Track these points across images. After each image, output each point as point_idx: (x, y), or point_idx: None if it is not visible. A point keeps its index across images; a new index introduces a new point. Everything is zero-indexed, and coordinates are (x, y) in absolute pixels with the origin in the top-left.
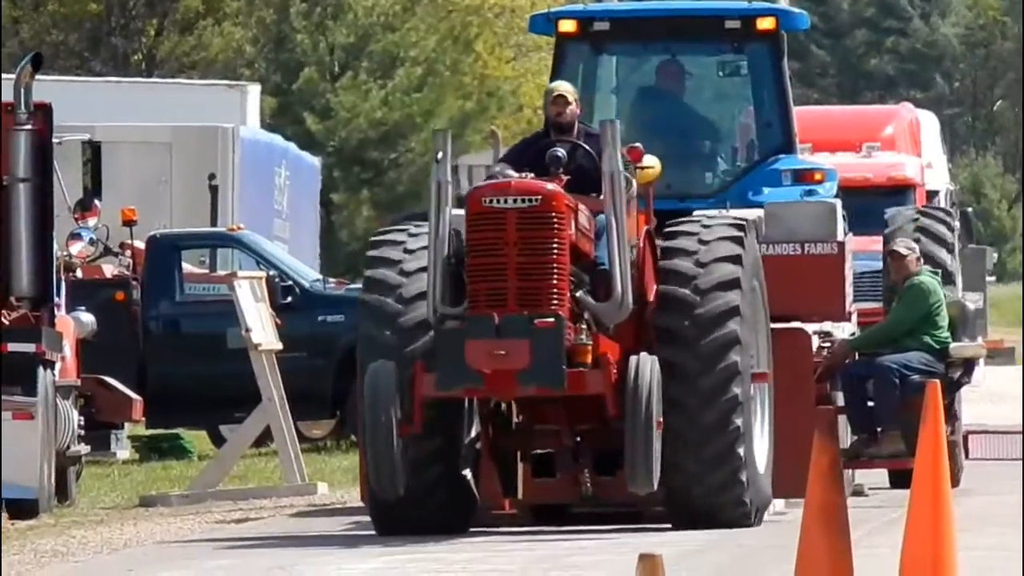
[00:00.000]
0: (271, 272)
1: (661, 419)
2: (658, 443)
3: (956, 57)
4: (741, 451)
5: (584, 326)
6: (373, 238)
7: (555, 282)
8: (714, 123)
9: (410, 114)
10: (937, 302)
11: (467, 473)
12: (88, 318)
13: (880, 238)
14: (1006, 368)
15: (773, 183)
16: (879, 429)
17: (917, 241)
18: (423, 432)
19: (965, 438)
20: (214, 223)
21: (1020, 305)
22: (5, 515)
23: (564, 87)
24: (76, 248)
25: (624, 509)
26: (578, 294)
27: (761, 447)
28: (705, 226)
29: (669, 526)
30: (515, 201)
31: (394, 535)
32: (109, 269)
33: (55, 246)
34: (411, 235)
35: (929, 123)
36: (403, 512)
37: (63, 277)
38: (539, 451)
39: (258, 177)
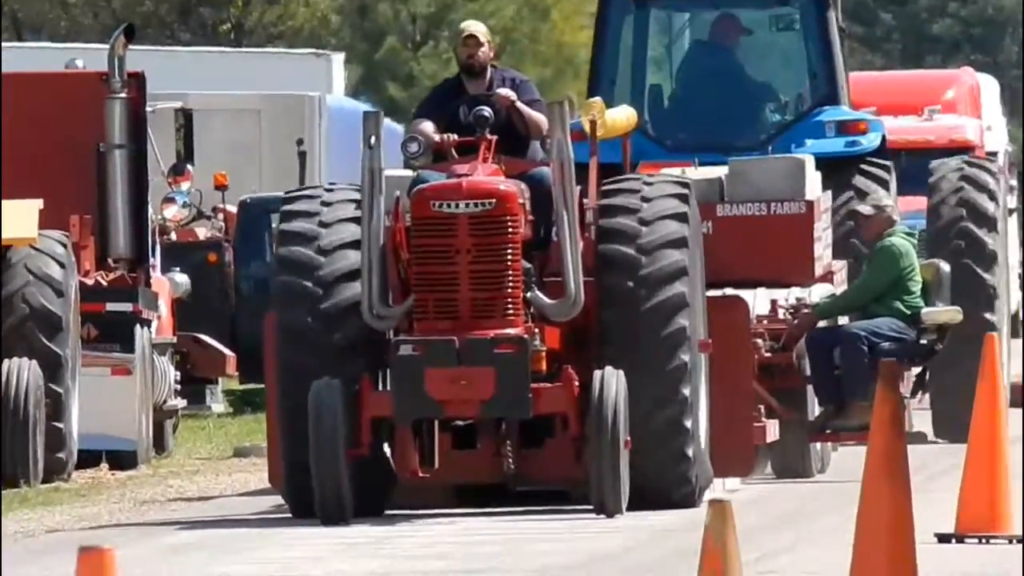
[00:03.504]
0: None
1: (628, 438)
2: (625, 465)
3: (1019, 21)
4: (688, 424)
5: (531, 323)
6: (284, 207)
7: (511, 290)
8: (764, 77)
9: None
10: (909, 266)
11: (385, 446)
12: (183, 278)
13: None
14: None
15: (817, 135)
16: (846, 400)
17: (960, 190)
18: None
19: (1015, 388)
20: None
21: None
22: (106, 465)
23: (475, 27)
24: (170, 212)
25: (550, 488)
26: (528, 295)
27: (702, 421)
28: (647, 183)
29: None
30: (467, 205)
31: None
32: (202, 232)
33: (150, 210)
34: (324, 204)
35: (989, 86)
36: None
37: (158, 240)
38: (459, 421)
39: (344, 143)
